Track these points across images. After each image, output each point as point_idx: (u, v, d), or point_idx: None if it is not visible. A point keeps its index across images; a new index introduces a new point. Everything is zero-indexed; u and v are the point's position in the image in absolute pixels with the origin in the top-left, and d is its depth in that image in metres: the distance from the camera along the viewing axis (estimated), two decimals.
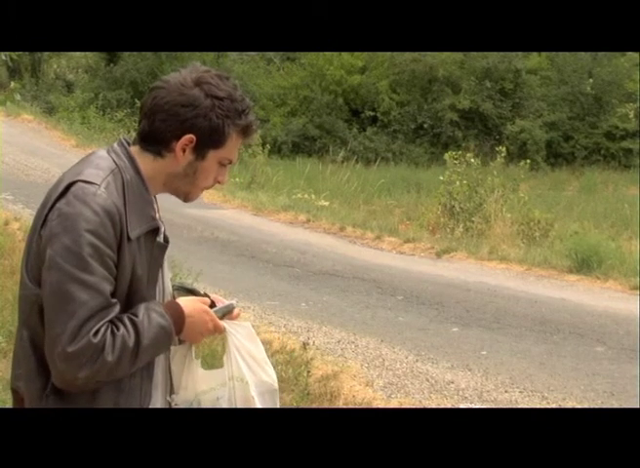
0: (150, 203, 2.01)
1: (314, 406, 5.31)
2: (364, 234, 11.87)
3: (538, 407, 5.52)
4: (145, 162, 2.00)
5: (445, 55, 25.40)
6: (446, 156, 13.79)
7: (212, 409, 2.05)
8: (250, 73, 27.19)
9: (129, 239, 1.91)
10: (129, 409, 1.92)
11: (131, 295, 1.94)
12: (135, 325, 1.89)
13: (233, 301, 2.17)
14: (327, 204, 14.62)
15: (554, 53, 25.27)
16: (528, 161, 14.49)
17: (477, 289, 8.79)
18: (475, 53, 25.03)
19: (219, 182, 2.08)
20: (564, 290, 8.91)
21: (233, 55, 27.56)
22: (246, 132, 2.03)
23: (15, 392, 2.01)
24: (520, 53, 25.67)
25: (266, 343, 6.07)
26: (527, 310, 7.99)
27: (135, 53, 25.25)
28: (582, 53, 25.03)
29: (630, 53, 23.92)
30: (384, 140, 25.79)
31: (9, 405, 4.33)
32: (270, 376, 2.14)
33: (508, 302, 8.27)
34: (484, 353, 6.65)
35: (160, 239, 2.04)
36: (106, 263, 1.87)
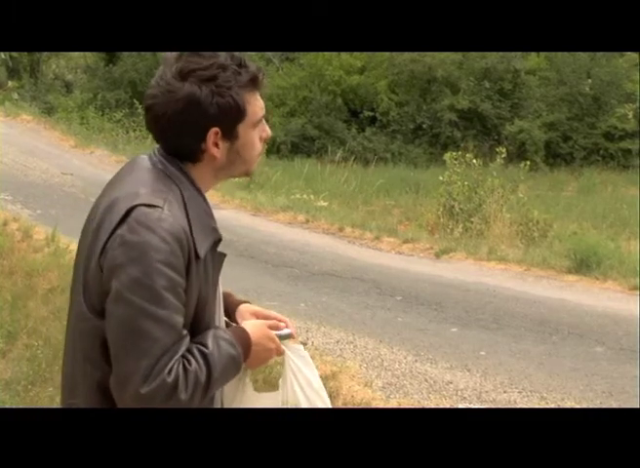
0: (211, 214, 1.91)
1: None
2: (363, 234, 11.85)
3: (536, 407, 5.52)
4: (189, 169, 1.90)
5: (444, 55, 25.36)
6: (446, 157, 13.78)
7: (211, 410, 2.05)
8: None
9: (197, 258, 1.80)
10: (127, 409, 1.92)
11: (197, 317, 1.85)
12: (205, 357, 1.79)
13: (291, 330, 2.10)
14: (326, 204, 14.60)
15: (553, 53, 25.26)
16: (528, 162, 14.48)
17: (476, 289, 8.79)
18: (474, 53, 25.00)
19: (265, 139, 1.97)
20: (563, 290, 8.90)
21: None
22: (255, 84, 1.92)
23: None
24: (519, 53, 25.67)
25: None
26: (526, 310, 7.99)
27: (134, 53, 25.24)
28: (581, 53, 25.04)
29: (629, 53, 23.93)
30: (383, 141, 25.77)
31: (9, 405, 4.34)
32: (326, 404, 2.08)
33: (507, 303, 8.27)
34: (483, 353, 6.66)
35: (220, 249, 1.94)
36: (179, 294, 1.75)
